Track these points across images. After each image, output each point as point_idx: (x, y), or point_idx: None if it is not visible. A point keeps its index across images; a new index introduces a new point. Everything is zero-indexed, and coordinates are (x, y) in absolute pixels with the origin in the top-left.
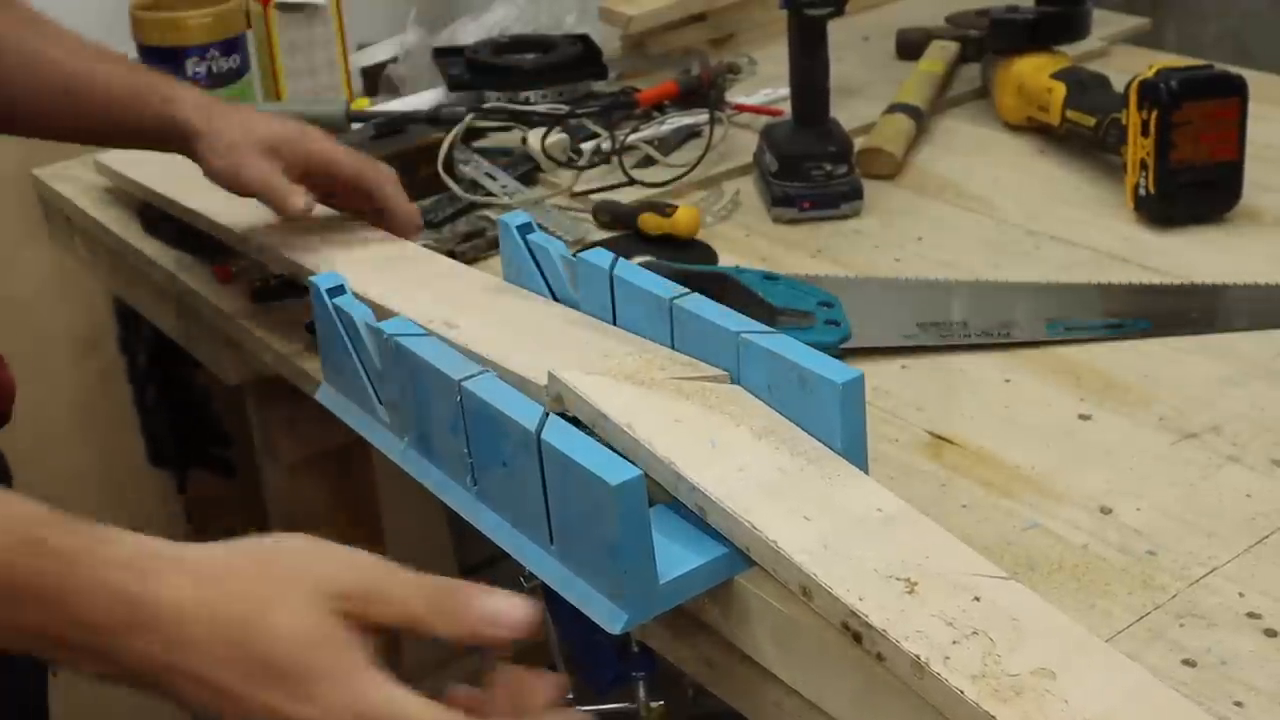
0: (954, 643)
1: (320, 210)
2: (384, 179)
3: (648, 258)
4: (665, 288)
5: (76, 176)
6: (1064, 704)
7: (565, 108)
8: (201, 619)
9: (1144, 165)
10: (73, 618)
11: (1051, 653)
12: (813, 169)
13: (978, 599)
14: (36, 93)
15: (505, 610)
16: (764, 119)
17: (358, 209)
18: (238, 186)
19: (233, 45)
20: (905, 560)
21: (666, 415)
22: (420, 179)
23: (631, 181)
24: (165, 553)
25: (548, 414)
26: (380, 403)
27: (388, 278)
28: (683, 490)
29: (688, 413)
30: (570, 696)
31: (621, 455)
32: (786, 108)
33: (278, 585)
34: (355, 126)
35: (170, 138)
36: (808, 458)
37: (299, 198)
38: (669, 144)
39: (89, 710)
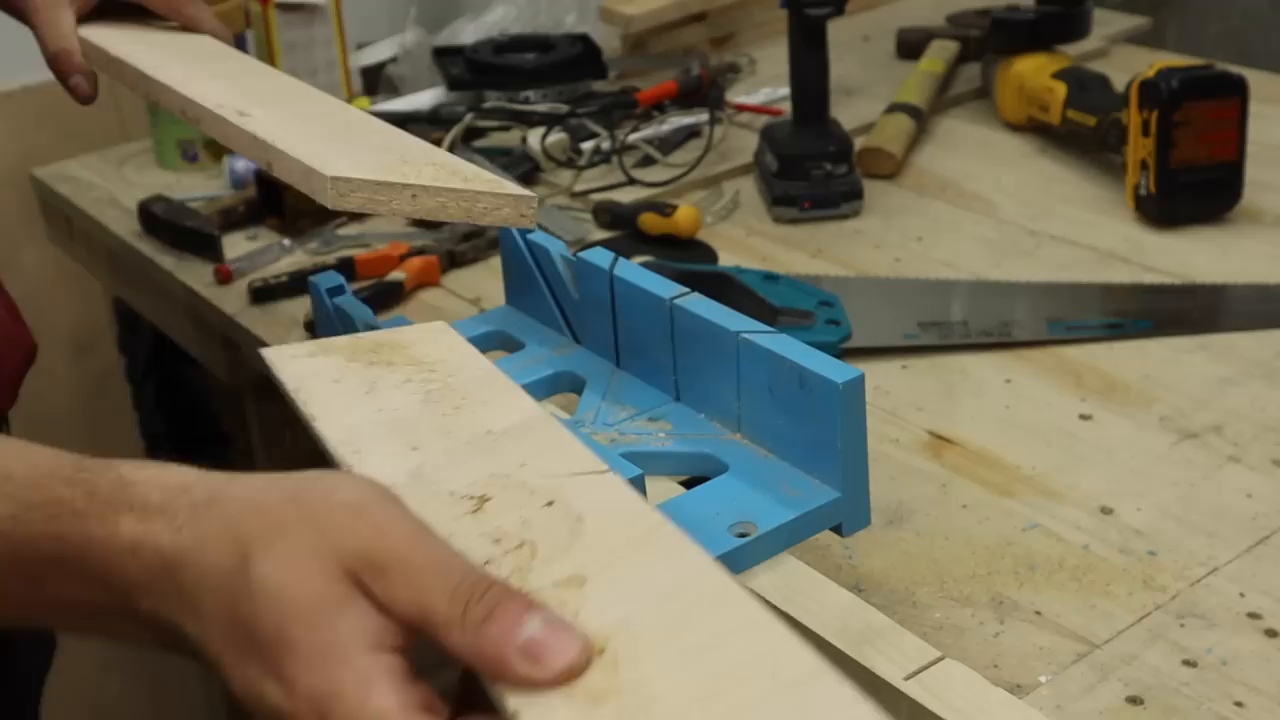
0: (487, 562)
1: None
2: (199, 19)
3: (648, 258)
4: (665, 287)
5: (76, 176)
6: (574, 614)
7: (565, 108)
8: (188, 565)
9: (1144, 165)
10: (97, 581)
11: (600, 554)
12: (813, 169)
13: (551, 503)
14: None
15: (552, 646)
16: (764, 119)
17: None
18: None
19: None
20: (494, 476)
21: (331, 376)
22: None
23: (631, 181)
24: (198, 488)
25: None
26: None
27: (192, 66)
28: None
29: (352, 369)
30: None
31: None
32: (786, 108)
33: (278, 530)
34: None
35: None
36: (449, 386)
37: (83, 83)
38: (669, 144)
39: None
